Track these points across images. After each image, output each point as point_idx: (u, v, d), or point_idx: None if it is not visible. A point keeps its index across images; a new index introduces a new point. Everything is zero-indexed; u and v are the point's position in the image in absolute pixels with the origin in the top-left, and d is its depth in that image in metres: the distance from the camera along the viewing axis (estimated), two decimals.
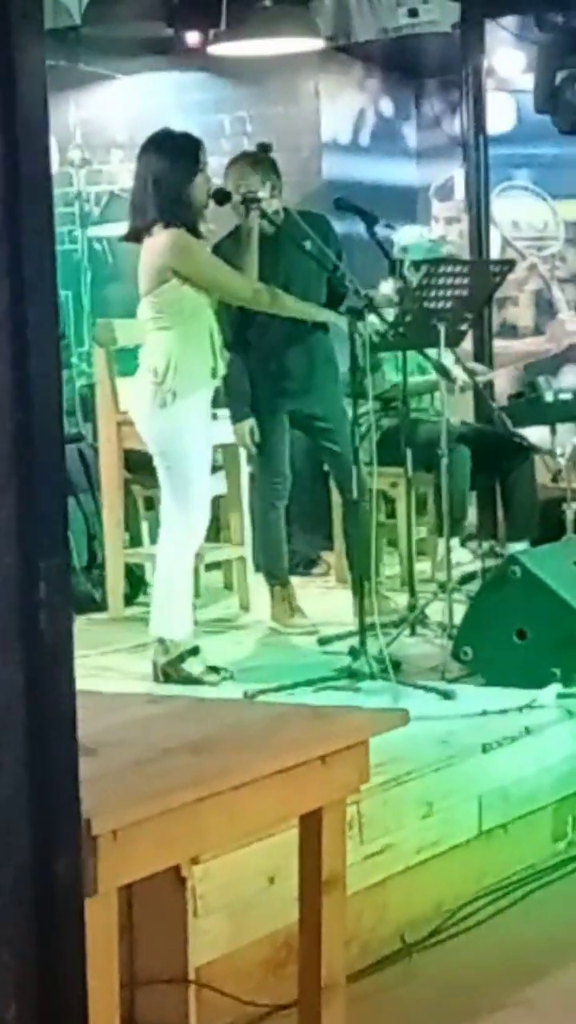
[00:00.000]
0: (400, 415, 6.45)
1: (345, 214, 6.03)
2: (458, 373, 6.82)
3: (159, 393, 5.42)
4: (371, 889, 4.18)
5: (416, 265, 6.62)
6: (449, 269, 6.19)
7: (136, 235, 5.57)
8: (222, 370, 5.57)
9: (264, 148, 6.28)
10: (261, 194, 6.05)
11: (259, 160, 6.23)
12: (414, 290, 6.10)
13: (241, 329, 6.29)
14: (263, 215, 5.85)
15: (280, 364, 6.37)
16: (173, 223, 5.45)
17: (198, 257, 5.53)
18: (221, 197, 5.68)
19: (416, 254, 7.00)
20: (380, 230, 5.87)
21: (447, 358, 6.26)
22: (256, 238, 5.80)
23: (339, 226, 6.59)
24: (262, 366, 6.37)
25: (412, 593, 6.28)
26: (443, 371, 6.10)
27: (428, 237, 7.61)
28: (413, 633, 6.05)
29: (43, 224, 2.10)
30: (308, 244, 6.18)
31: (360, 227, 5.87)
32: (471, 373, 7.02)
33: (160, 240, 5.46)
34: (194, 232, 5.51)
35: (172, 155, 5.51)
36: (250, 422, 6.36)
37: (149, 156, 5.56)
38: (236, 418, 6.38)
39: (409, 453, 6.21)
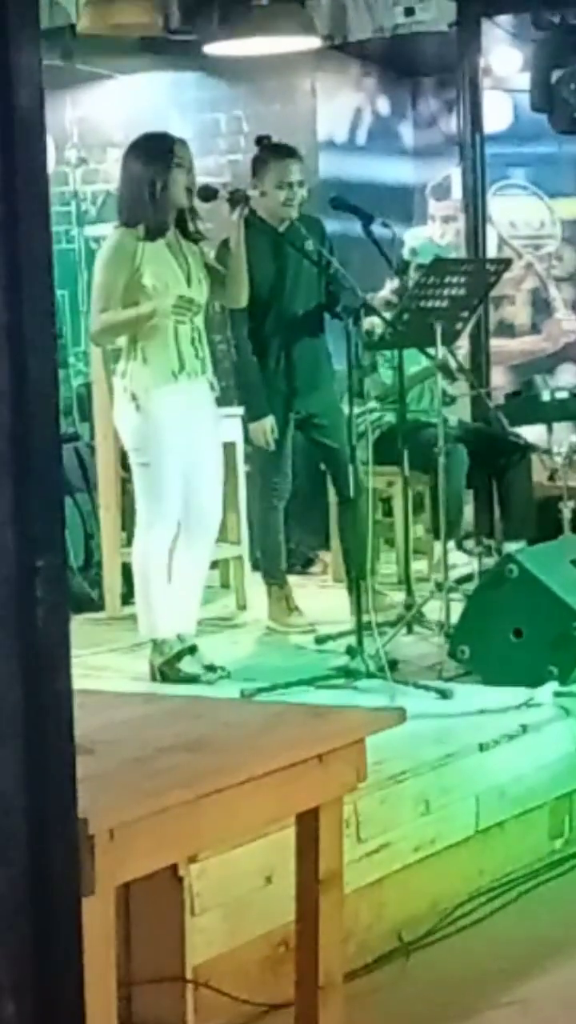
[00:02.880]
0: (397, 414, 6.46)
1: (342, 213, 6.04)
2: (458, 376, 6.82)
3: (124, 391, 5.48)
4: (368, 888, 4.19)
5: (422, 268, 6.65)
6: (445, 268, 6.20)
7: None
8: (191, 369, 5.53)
9: (262, 140, 6.30)
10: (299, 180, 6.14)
11: (298, 153, 6.28)
12: (412, 289, 6.11)
13: (253, 329, 6.30)
14: (252, 212, 5.79)
15: (286, 365, 6.39)
16: (128, 224, 5.47)
17: (99, 258, 5.54)
18: (207, 194, 5.64)
19: (424, 257, 7.02)
20: (376, 229, 5.87)
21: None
22: (243, 235, 5.71)
23: (337, 225, 6.59)
24: (271, 367, 6.38)
25: (409, 592, 6.28)
26: (445, 369, 6.11)
27: (437, 242, 7.63)
28: (410, 632, 6.06)
29: (40, 223, 2.10)
30: (308, 244, 6.20)
31: (358, 227, 5.87)
32: (469, 377, 7.03)
33: (106, 241, 5.53)
34: (159, 231, 5.48)
35: (145, 157, 5.52)
36: (270, 420, 6.35)
37: (125, 160, 5.60)
38: (253, 416, 6.39)
39: (406, 452, 6.22)
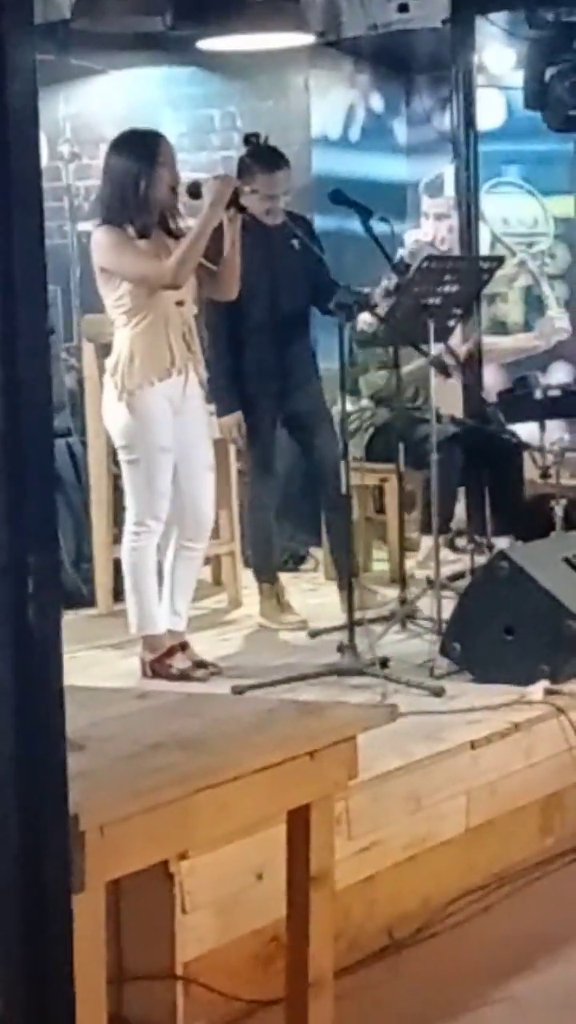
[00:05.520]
0: (395, 411, 6.47)
1: (339, 208, 6.02)
2: (448, 360, 6.82)
3: (114, 387, 5.46)
4: (359, 885, 4.18)
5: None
6: (438, 265, 6.20)
7: None
8: (182, 364, 5.51)
9: (250, 139, 6.28)
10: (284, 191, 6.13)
11: (285, 161, 6.25)
12: (405, 286, 6.11)
13: (232, 327, 6.28)
14: (241, 209, 5.74)
15: (272, 363, 6.37)
16: (113, 222, 5.44)
17: (115, 249, 5.44)
18: (194, 191, 5.60)
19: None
20: (375, 224, 5.86)
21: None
22: (238, 235, 5.68)
23: (333, 221, 6.58)
24: (255, 365, 6.37)
25: (402, 589, 6.28)
26: (440, 366, 6.10)
27: (436, 245, 7.64)
28: (403, 629, 6.06)
29: (32, 219, 2.09)
30: (296, 243, 6.19)
31: (355, 222, 5.86)
32: (455, 356, 7.04)
33: (93, 240, 5.49)
34: (143, 229, 5.45)
35: (127, 153, 5.47)
36: (236, 416, 6.35)
37: (108, 157, 5.55)
38: (221, 412, 6.38)
39: (401, 449, 6.22)
